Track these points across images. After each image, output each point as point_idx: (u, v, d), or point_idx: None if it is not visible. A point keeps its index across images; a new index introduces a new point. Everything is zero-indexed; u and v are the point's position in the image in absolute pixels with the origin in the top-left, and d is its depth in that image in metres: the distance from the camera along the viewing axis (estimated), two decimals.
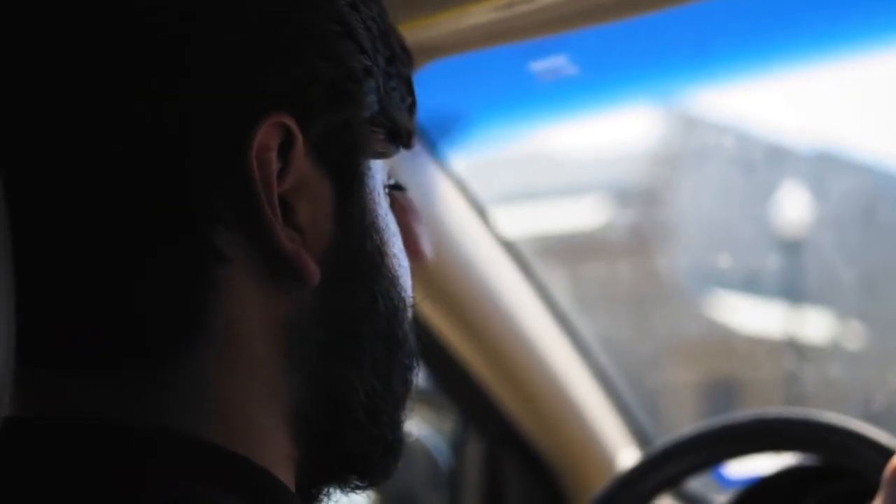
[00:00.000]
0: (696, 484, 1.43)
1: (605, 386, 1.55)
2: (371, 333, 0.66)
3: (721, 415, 1.31)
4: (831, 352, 5.94)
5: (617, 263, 6.79)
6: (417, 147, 1.32)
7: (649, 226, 6.84)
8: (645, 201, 7.10)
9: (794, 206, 5.40)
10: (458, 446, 1.63)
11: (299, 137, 0.62)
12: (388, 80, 0.68)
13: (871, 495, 1.10)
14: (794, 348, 5.83)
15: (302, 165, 0.63)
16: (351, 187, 0.65)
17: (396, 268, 0.68)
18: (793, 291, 5.81)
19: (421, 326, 1.39)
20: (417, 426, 1.61)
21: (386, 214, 0.68)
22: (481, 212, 1.43)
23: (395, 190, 0.71)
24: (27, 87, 0.60)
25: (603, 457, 1.54)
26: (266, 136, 0.61)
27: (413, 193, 1.30)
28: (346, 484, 0.70)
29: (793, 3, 1.30)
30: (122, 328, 0.60)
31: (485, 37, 1.14)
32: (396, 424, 0.69)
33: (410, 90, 0.71)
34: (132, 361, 0.61)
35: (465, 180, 1.41)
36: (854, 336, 5.88)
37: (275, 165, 0.61)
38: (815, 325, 5.93)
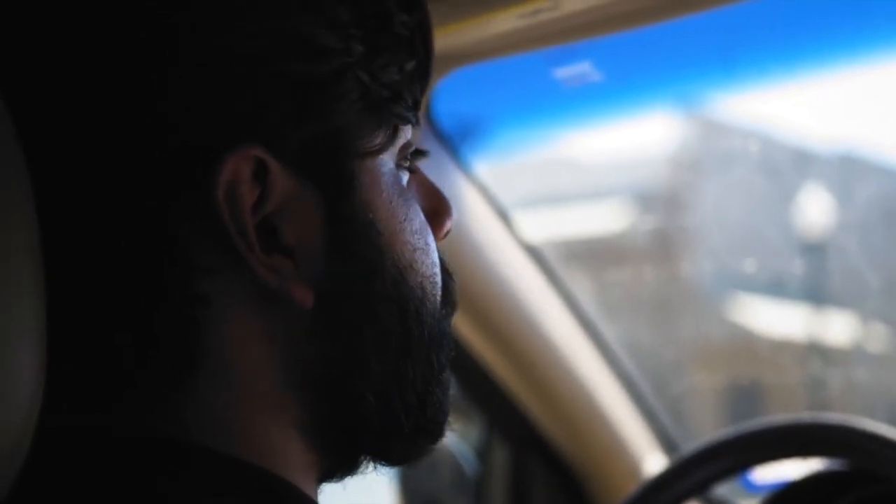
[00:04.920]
0: (723, 489, 1.43)
1: (629, 391, 1.55)
2: (374, 340, 0.64)
3: (745, 419, 1.30)
4: (856, 355, 5.91)
5: (641, 268, 6.78)
6: (441, 154, 1.32)
7: (673, 230, 6.82)
8: (669, 206, 7.09)
9: (817, 210, 5.38)
10: (483, 452, 1.63)
11: (272, 163, 0.60)
12: (376, 56, 0.63)
13: None
14: (819, 352, 5.81)
15: (282, 185, 0.61)
16: (340, 190, 0.62)
17: (408, 256, 0.65)
18: (817, 295, 5.79)
19: None
20: None
21: (393, 201, 0.65)
22: (505, 217, 1.43)
23: (417, 157, 0.68)
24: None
25: (628, 462, 1.54)
26: (234, 170, 0.59)
27: None
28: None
29: (816, 9, 1.30)
30: (119, 373, 0.62)
31: (510, 44, 1.15)
32: (421, 411, 0.67)
33: (412, 49, 0.65)
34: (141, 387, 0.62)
35: (489, 186, 1.41)
36: (878, 339, 5.85)
37: (248, 198, 0.60)
38: (839, 329, 5.90)
